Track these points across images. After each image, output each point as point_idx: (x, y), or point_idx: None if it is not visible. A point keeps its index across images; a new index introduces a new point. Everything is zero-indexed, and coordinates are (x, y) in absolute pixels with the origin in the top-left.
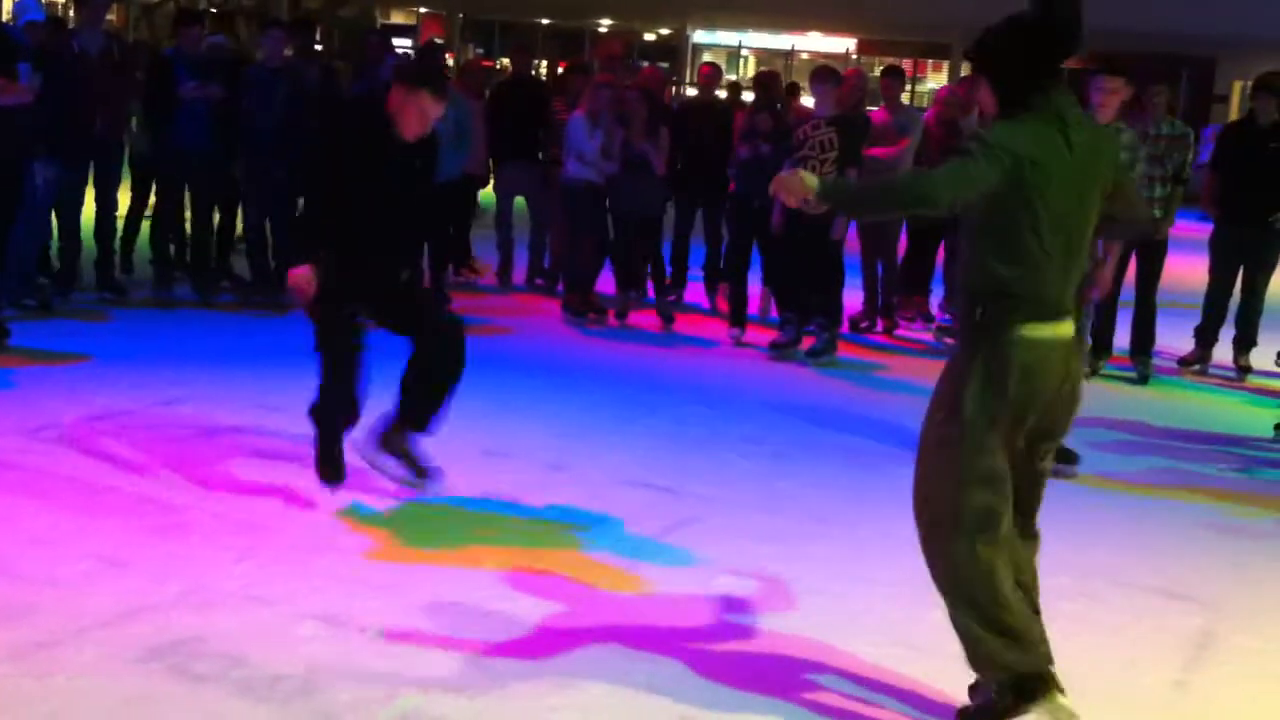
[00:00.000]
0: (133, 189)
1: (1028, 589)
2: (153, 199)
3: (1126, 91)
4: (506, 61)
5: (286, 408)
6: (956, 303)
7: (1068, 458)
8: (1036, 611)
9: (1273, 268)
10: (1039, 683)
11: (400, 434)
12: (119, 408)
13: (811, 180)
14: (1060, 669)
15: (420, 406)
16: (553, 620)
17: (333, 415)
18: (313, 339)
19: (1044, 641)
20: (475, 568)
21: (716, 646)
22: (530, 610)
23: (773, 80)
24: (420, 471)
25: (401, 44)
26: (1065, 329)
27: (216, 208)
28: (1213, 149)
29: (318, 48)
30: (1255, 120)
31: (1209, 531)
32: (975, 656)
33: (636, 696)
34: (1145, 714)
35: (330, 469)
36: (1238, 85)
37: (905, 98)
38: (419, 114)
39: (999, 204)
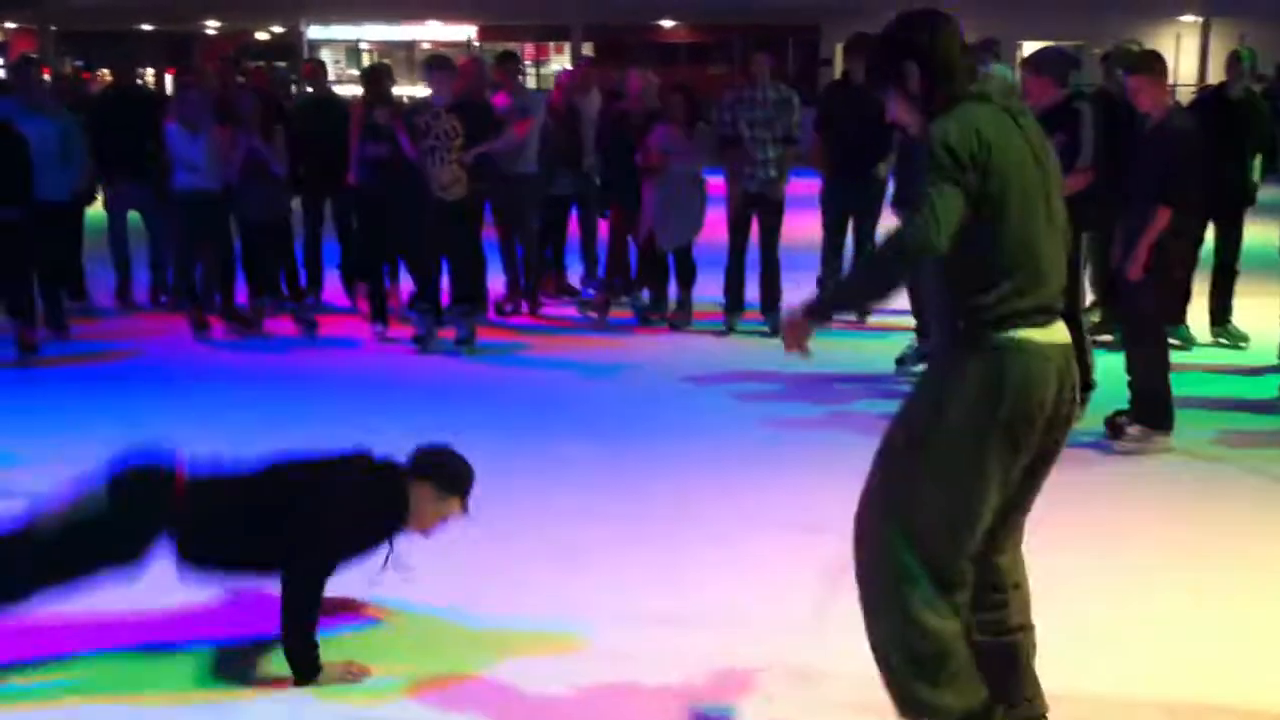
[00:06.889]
0: None
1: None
2: None
3: None
4: (107, 72)
5: None
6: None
7: None
8: (1024, 628)
9: (878, 214)
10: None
11: None
12: None
13: (805, 318)
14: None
15: None
16: (217, 615)
17: None
18: None
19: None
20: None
21: (381, 643)
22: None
23: (382, 73)
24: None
25: None
26: (1062, 333)
27: None
28: (816, 110)
29: None
30: (850, 80)
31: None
32: (902, 700)
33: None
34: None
35: None
36: (839, 48)
37: (532, 81)
38: (436, 516)
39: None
